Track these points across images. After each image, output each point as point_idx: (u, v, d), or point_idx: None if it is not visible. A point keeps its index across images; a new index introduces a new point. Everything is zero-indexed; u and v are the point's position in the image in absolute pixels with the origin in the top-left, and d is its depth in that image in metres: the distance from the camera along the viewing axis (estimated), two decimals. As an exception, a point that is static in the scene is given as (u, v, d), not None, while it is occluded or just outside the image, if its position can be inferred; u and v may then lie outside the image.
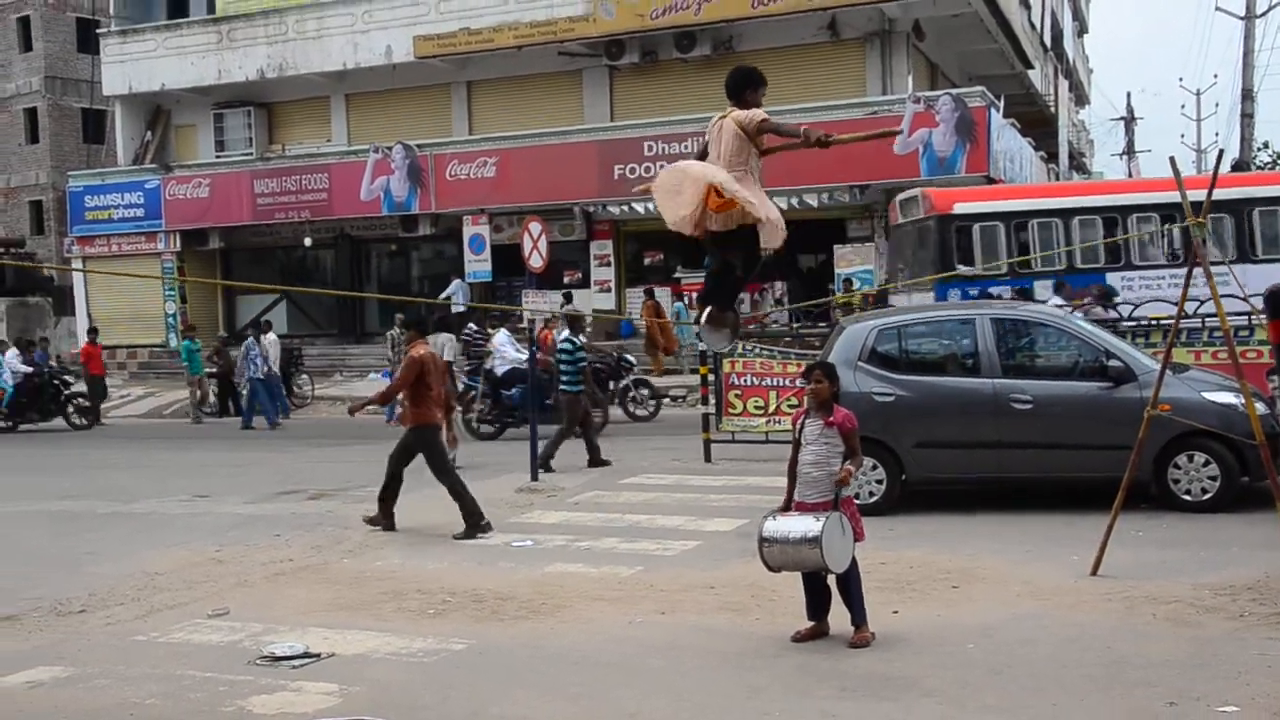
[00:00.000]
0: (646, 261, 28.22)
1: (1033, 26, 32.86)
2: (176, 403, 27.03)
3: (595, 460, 14.88)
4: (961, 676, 6.41)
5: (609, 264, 27.87)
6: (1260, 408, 9.43)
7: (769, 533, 6.93)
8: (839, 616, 7.13)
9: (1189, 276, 8.50)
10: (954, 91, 24.78)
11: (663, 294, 26.94)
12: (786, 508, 7.13)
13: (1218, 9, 36.15)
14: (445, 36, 28.54)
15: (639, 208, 26.11)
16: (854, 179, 24.27)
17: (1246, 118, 34.59)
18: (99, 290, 32.51)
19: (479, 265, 26.61)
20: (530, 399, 15.68)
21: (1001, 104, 26.21)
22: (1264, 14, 34.80)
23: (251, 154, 31.87)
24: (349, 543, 10.83)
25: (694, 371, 19.21)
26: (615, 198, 26.41)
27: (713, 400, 15.14)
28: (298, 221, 29.92)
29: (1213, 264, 8.52)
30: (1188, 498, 10.40)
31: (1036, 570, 8.62)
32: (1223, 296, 8.58)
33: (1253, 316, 11.45)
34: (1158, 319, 13.44)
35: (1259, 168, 35.61)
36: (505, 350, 18.19)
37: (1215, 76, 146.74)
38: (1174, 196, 8.93)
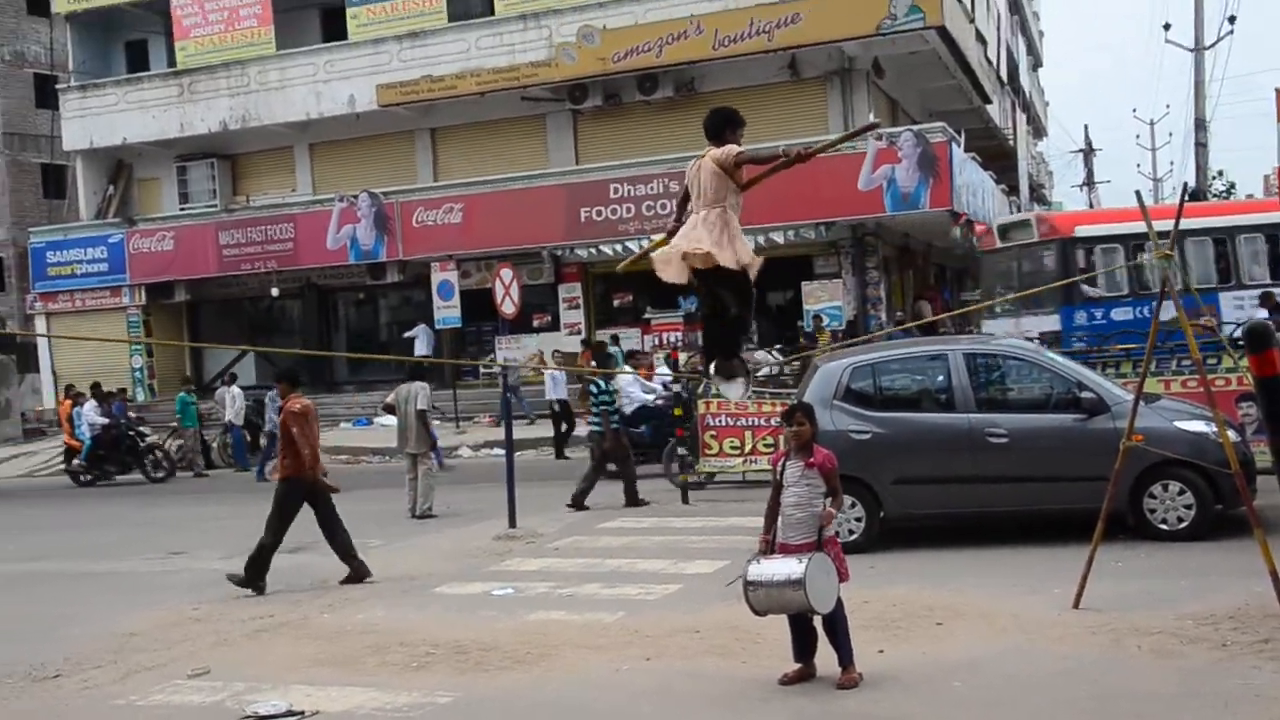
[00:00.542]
0: (616, 303, 28.23)
1: (989, 61, 33.25)
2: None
3: (632, 500, 14.87)
4: (951, 715, 6.42)
5: (578, 306, 27.87)
6: (1232, 434, 9.51)
7: (753, 576, 6.92)
8: (825, 658, 7.13)
9: (1159, 306, 8.58)
10: (915, 128, 25.01)
11: (632, 335, 27.01)
12: (769, 550, 7.12)
13: (1167, 41, 36.68)
14: (408, 84, 28.58)
15: (606, 249, 26.22)
16: (819, 216, 24.41)
17: (1200, 146, 35.08)
18: (64, 346, 32.25)
19: (448, 311, 26.55)
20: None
21: (962, 138, 26.49)
22: (1212, 46, 35.36)
23: (216, 205, 31.75)
24: (329, 596, 10.75)
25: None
26: (583, 240, 26.49)
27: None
28: (264, 272, 29.78)
29: (1183, 293, 8.61)
30: (1164, 527, 10.46)
31: (1020, 604, 8.65)
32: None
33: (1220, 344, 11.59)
34: (1127, 349, 13.55)
35: (1214, 196, 36.08)
36: (632, 391, 17.95)
37: (1168, 107, 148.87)
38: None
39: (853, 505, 10.83)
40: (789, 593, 6.79)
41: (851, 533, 10.88)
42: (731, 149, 6.52)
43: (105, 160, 33.78)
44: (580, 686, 7.47)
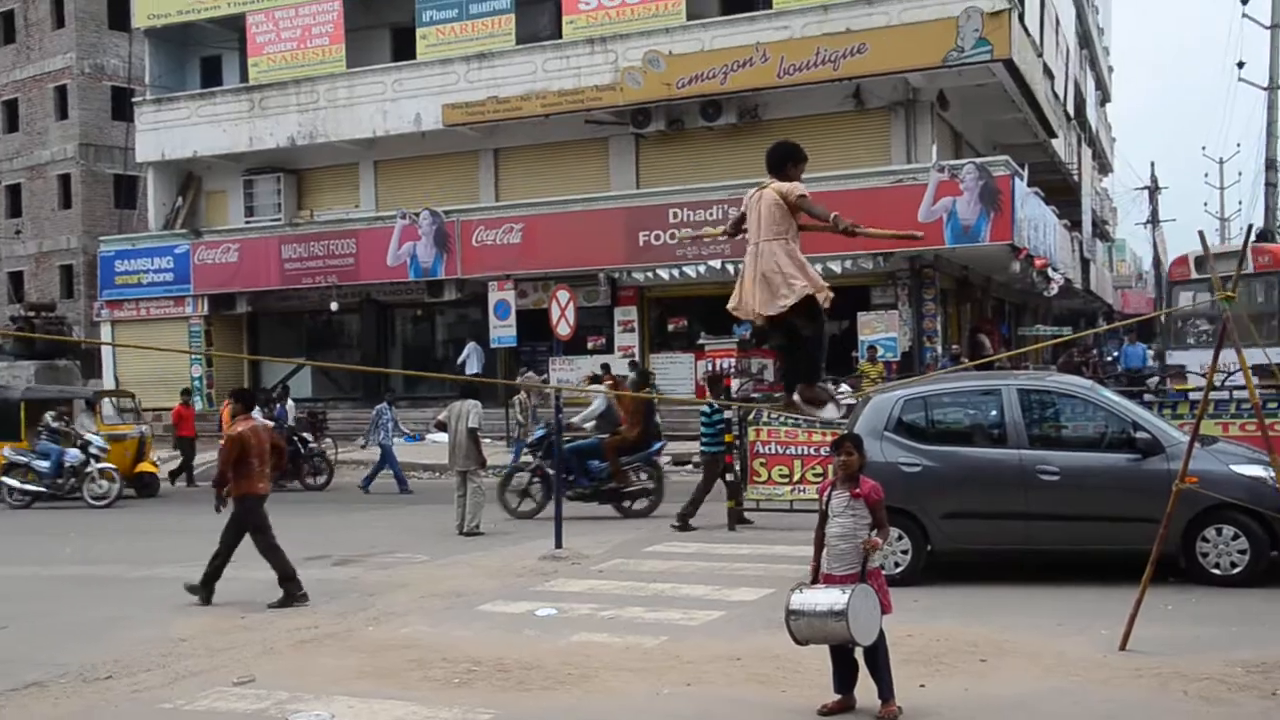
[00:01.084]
0: (670, 328, 28.30)
1: (1056, 96, 33.03)
2: (202, 465, 27.07)
3: (736, 520, 14.98)
4: (991, 753, 6.36)
5: (633, 330, 27.95)
6: (1289, 481, 9.37)
7: (796, 605, 6.91)
8: (866, 689, 7.10)
9: (1218, 349, 8.50)
10: (978, 160, 24.88)
11: (686, 360, 27.06)
12: (815, 580, 7.12)
13: (1240, 79, 36.29)
14: (474, 105, 28.88)
15: (664, 274, 26.29)
16: (878, 246, 24.31)
17: (1270, 187, 34.61)
18: (126, 353, 32.82)
19: (503, 331, 26.73)
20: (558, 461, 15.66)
21: (1025, 172, 26.31)
22: (1286, 84, 34.90)
23: (280, 219, 32.22)
24: (374, 610, 10.83)
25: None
26: (640, 264, 26.57)
27: (737, 467, 15.14)
28: (324, 286, 30.16)
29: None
30: (1216, 571, 10.31)
31: (1065, 644, 8.56)
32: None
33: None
34: (1185, 390, 13.39)
35: (1283, 237, 35.55)
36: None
37: (1238, 145, 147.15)
38: None
39: (900, 538, 10.79)
40: (831, 623, 6.77)
41: (897, 565, 10.83)
42: (797, 188, 6.54)
43: (175, 172, 34.41)
44: (620, 709, 7.48)
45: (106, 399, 23.25)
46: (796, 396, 6.83)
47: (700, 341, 27.27)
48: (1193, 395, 12.77)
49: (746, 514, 15.16)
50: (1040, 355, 28.78)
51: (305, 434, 23.03)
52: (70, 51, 40.32)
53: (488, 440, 18.85)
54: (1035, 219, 26.46)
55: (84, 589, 12.65)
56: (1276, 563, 10.27)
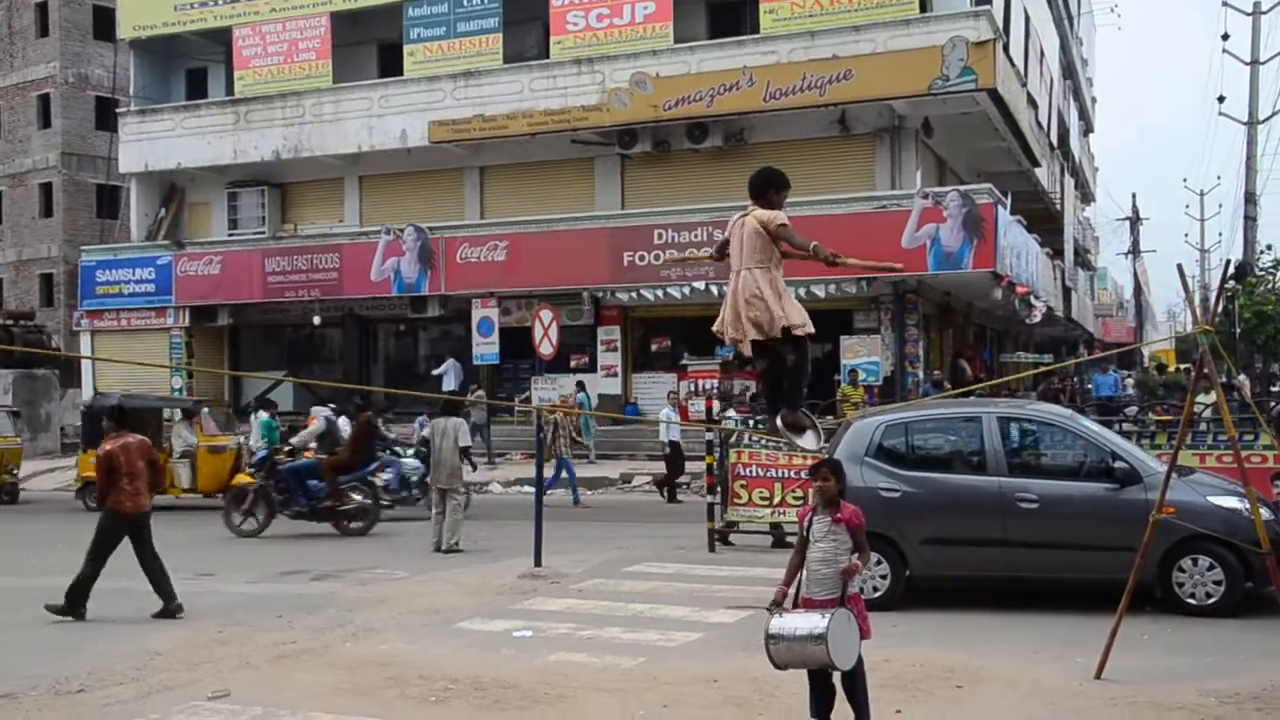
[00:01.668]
0: (653, 348, 28.35)
1: (1039, 126, 33.26)
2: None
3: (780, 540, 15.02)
4: (966, 780, 6.37)
5: (616, 349, 27.98)
6: (1265, 513, 9.44)
7: (775, 629, 6.91)
8: (843, 714, 7.10)
9: (1197, 381, 8.57)
10: (962, 188, 25.02)
11: (668, 380, 27.14)
12: (781, 601, 7.11)
13: (1221, 114, 36.65)
14: (460, 122, 28.92)
15: (648, 294, 26.34)
16: (861, 272, 24.39)
17: (1249, 220, 34.92)
18: (106, 363, 32.65)
19: (487, 348, 26.74)
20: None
21: (1009, 201, 26.47)
22: (1266, 120, 35.28)
23: (264, 232, 32.18)
24: (352, 626, 10.80)
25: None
26: (624, 284, 26.61)
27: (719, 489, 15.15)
28: (307, 300, 30.12)
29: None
30: (1192, 601, 10.36)
31: (1042, 671, 8.59)
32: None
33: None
34: (1163, 420, 13.48)
35: (1261, 271, 35.83)
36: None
37: (1218, 178, 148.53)
38: None
39: (879, 563, 10.83)
40: (811, 647, 6.78)
41: (876, 590, 10.86)
42: (778, 216, 6.60)
43: (159, 183, 34.35)
44: (596, 730, 7.47)
45: (205, 409, 22.85)
46: (779, 421, 6.88)
47: (683, 362, 27.36)
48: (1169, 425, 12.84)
49: (731, 536, 15.19)
50: (1021, 382, 28.89)
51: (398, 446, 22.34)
52: (54, 60, 40.26)
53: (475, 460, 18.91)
54: (1018, 247, 26.61)
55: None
56: (1251, 594, 10.33)
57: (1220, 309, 7.96)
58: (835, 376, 25.05)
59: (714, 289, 23.35)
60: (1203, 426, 12.74)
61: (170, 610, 11.33)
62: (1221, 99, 37.03)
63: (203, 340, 32.61)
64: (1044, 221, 35.43)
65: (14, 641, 10.45)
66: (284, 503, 17.52)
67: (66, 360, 35.36)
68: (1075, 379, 31.60)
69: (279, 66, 31.56)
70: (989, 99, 25.42)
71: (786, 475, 14.43)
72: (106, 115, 38.24)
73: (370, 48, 32.05)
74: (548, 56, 28.64)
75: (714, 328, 6.82)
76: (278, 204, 32.91)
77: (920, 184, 25.39)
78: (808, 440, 7.02)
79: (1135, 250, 61.28)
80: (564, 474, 21.48)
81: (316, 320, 30.46)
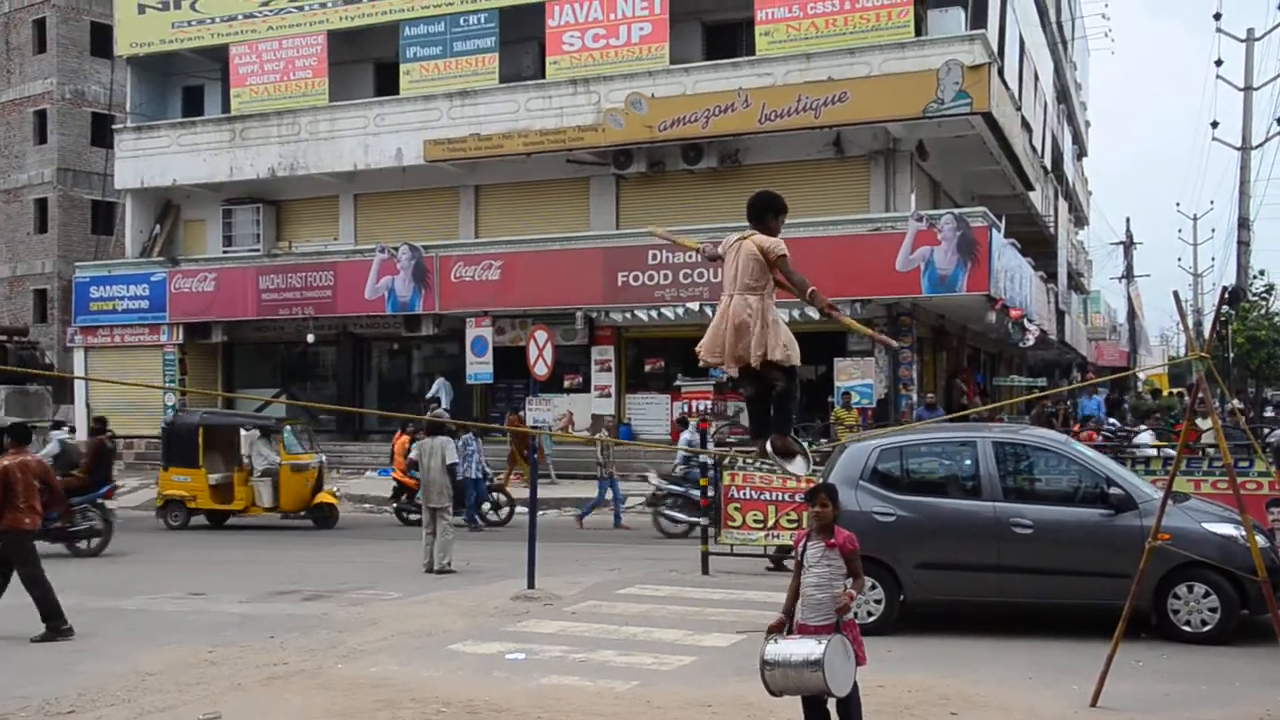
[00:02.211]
0: (647, 368, 28.33)
1: (1034, 149, 33.36)
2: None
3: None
4: (962, 808, 6.34)
5: (610, 369, 27.96)
6: (1261, 540, 9.44)
7: (771, 656, 6.88)
8: (838, 741, 7.07)
9: (1193, 407, 8.56)
10: (956, 211, 25.06)
11: (662, 400, 27.14)
12: (781, 628, 7.08)
13: (1214, 139, 36.75)
14: (455, 141, 28.95)
15: (641, 314, 26.35)
16: (855, 293, 24.40)
17: (1243, 245, 35.01)
18: (101, 378, 32.60)
19: (480, 367, 26.73)
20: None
21: (1003, 224, 26.52)
22: (1259, 145, 35.40)
23: (259, 250, 32.16)
24: (344, 647, 10.75)
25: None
26: (618, 304, 26.60)
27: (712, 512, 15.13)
28: (301, 318, 30.10)
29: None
30: (1187, 629, 10.34)
31: (1036, 698, 8.57)
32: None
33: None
34: (1159, 446, 13.48)
35: (1254, 296, 35.95)
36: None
37: (1212, 202, 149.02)
38: None
39: (873, 587, 10.80)
40: (806, 674, 6.74)
41: (870, 614, 10.83)
42: (779, 247, 6.56)
43: (154, 200, 34.33)
44: (589, 755, 7.43)
45: (288, 427, 22.58)
46: (768, 446, 6.86)
47: (677, 383, 27.34)
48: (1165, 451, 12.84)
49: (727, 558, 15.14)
50: (1014, 406, 28.89)
51: (485, 469, 22.05)
52: (51, 76, 40.25)
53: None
54: (1011, 270, 26.65)
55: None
56: (1246, 621, 10.31)
57: (1214, 334, 8.00)
58: (829, 399, 25.06)
59: (708, 310, 23.34)
60: (1198, 453, 12.71)
61: (60, 632, 11.23)
62: (1215, 124, 37.02)
63: (197, 357, 32.55)
64: (1038, 245, 35.53)
65: (3, 661, 10.39)
66: None
67: (59, 376, 35.30)
68: (1070, 402, 31.62)
69: (275, 84, 31.58)
70: (983, 122, 25.49)
71: (781, 498, 14.41)
72: (103, 132, 38.22)
73: (366, 66, 32.10)
74: (544, 76, 28.69)
75: (698, 348, 6.79)
76: (273, 221, 32.90)
77: (915, 206, 25.44)
78: (797, 466, 7.01)
79: (1129, 274, 61.45)
80: (608, 494, 21.49)
81: (310, 338, 30.45)
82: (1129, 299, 62.28)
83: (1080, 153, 54.73)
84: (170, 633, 11.56)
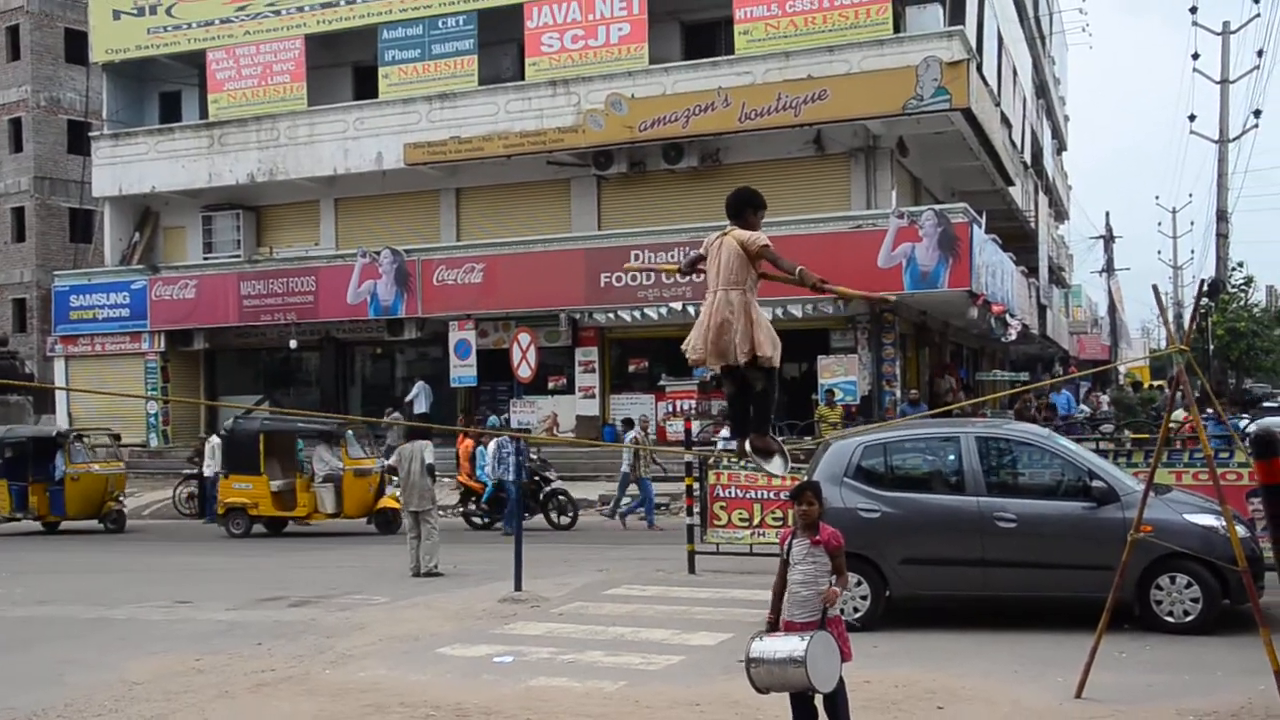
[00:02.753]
0: (631, 369, 28.36)
1: (1013, 145, 33.48)
2: (156, 503, 26.85)
3: None
4: (949, 802, 6.38)
5: (594, 370, 27.98)
6: (1241, 531, 9.51)
7: (756, 653, 6.91)
8: (825, 737, 7.10)
9: (1173, 400, 8.62)
10: (937, 207, 25.15)
11: (646, 400, 27.18)
12: (773, 627, 7.12)
13: (1192, 132, 36.96)
14: (435, 144, 28.93)
15: (625, 315, 26.37)
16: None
17: (1221, 238, 35.23)
18: (80, 386, 32.48)
19: (464, 370, 26.74)
20: (518, 504, 15.95)
21: (983, 219, 26.62)
22: (1236, 138, 35.64)
23: (239, 256, 32.08)
24: (331, 653, 10.74)
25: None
26: (601, 305, 26.62)
27: (698, 511, 15.14)
28: (283, 324, 30.04)
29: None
30: (1170, 619, 10.41)
31: (1022, 691, 8.62)
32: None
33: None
34: (1140, 438, 13.55)
35: (1233, 288, 36.15)
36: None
37: (1190, 195, 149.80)
38: None
39: (859, 583, 10.84)
40: (790, 670, 6.77)
41: (856, 610, 10.87)
42: (760, 238, 6.58)
43: (133, 207, 34.22)
44: (578, 756, 7.44)
45: (350, 431, 22.41)
46: (747, 445, 6.89)
47: (661, 383, 27.36)
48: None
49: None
50: (997, 401, 29.00)
51: (547, 474, 21.62)
52: (25, 84, 40.10)
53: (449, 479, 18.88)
54: (993, 265, 26.75)
55: (34, 631, 12.48)
56: (1228, 611, 10.38)
57: (1194, 327, 8.06)
58: (813, 396, 25.12)
59: (691, 309, 23.37)
60: (1178, 444, 12.78)
61: None
62: (1192, 117, 37.50)
63: (179, 364, 32.46)
64: (1018, 240, 35.67)
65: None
66: None
67: (40, 385, 35.18)
68: (1048, 397, 31.76)
69: (253, 89, 31.52)
70: (963, 118, 25.59)
71: (766, 496, 14.44)
72: (79, 139, 38.12)
73: (345, 70, 32.07)
74: (523, 78, 28.71)
75: (683, 347, 6.82)
76: (253, 227, 32.83)
77: (895, 203, 25.52)
78: (775, 465, 7.04)
79: (1109, 268, 61.69)
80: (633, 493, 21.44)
81: (292, 344, 30.41)
82: (1109, 292, 62.55)
83: (1060, 148, 54.96)
84: (158, 641, 11.54)
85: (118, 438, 26.77)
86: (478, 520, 21.74)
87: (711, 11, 28.15)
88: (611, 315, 26.74)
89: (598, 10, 27.78)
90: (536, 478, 21.15)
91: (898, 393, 25.53)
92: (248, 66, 31.61)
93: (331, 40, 31.19)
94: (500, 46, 29.44)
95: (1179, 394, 8.41)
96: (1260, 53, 51.49)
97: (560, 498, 21.30)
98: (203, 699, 9.11)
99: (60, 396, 33.13)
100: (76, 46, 38.86)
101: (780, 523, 13.69)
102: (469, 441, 21.85)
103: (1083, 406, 30.86)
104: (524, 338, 17.82)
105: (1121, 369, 43.88)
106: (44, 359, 36.52)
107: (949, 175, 31.68)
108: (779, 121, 25.92)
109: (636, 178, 28.24)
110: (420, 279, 28.23)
